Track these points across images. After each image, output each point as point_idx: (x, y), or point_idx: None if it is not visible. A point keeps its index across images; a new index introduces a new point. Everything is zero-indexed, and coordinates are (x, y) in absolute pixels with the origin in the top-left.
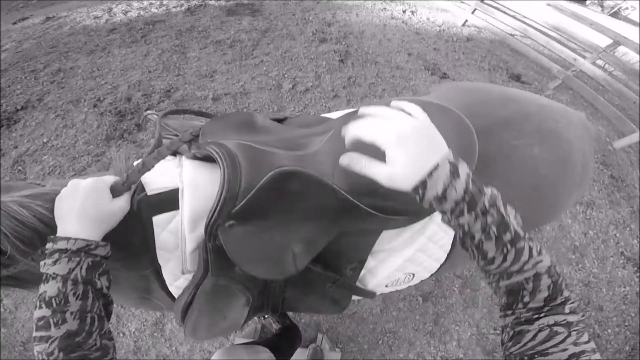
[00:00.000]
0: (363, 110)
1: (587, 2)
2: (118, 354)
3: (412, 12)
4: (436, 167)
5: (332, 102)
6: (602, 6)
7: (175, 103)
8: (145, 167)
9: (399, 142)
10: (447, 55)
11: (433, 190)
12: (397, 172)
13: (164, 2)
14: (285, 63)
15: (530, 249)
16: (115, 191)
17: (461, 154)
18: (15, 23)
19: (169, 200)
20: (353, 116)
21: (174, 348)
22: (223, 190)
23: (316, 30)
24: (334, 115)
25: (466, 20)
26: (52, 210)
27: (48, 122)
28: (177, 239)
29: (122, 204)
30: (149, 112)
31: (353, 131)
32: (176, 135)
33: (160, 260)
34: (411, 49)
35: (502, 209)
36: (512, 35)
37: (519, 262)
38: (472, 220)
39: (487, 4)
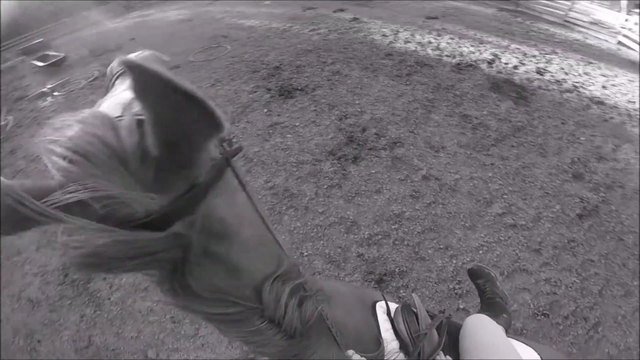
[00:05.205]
0: None
1: None
2: None
3: None
4: None
5: (525, 253)
6: None
7: (392, 158)
8: None
9: None
10: None
11: None
12: None
13: (441, 46)
14: (515, 182)
15: None
16: None
17: None
18: (335, 12)
19: None
20: None
21: None
22: None
23: (578, 159)
24: None
25: None
26: None
27: (306, 111)
28: None
29: None
30: None
31: None
32: None
33: None
34: None
35: None
36: None
37: None
38: None
39: None
